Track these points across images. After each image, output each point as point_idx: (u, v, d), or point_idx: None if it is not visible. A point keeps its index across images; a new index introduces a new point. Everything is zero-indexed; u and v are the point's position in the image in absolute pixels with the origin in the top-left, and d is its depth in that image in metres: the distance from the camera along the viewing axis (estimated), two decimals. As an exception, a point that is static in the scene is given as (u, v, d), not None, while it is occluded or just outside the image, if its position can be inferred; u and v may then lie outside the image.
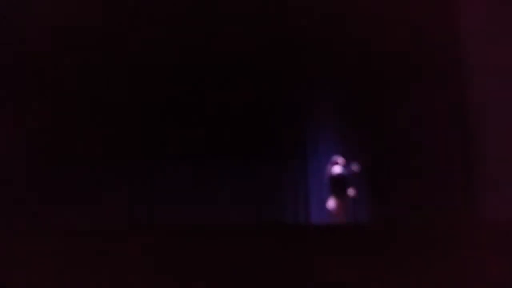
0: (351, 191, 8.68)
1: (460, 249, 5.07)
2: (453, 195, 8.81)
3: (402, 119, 9.30)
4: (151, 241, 5.15)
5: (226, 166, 9.50)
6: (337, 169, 8.81)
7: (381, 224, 8.18)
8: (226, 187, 9.40)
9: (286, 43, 9.52)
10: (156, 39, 9.42)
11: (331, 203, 8.71)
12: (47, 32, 9.22)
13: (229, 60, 9.45)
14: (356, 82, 9.56)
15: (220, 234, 5.18)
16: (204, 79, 9.57)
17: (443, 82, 9.31)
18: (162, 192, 9.31)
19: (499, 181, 8.40)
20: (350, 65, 9.47)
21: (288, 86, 9.71)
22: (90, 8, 9.29)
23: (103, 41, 9.33)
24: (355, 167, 8.77)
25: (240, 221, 8.86)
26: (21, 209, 8.54)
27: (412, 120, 9.27)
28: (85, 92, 9.39)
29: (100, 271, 4.99)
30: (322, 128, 9.86)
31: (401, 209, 8.79)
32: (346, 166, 8.83)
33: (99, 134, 9.28)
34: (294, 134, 9.77)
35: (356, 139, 9.66)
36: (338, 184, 8.72)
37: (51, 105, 9.23)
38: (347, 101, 9.73)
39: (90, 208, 8.83)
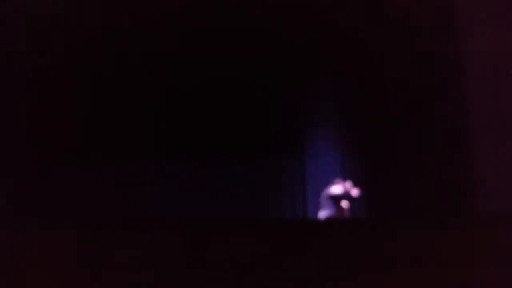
0: (347, 206, 8.52)
1: (459, 247, 5.08)
2: (452, 194, 8.82)
3: (402, 119, 9.31)
4: (150, 240, 5.15)
5: (225, 165, 9.51)
6: (336, 189, 8.61)
7: (380, 222, 8.17)
8: (224, 186, 9.41)
9: (286, 43, 9.53)
10: (156, 39, 9.43)
11: (323, 215, 8.58)
12: (46, 31, 9.24)
13: (229, 59, 9.46)
14: (356, 82, 9.57)
15: (219, 233, 5.18)
16: (203, 79, 9.59)
17: (443, 82, 9.32)
18: (161, 190, 9.32)
19: (498, 178, 8.42)
20: (350, 65, 9.48)
21: (287, 86, 9.73)
22: (89, 8, 9.30)
23: (102, 40, 9.33)
24: (354, 191, 8.60)
25: (238, 219, 8.86)
26: (21, 209, 8.55)
27: (412, 120, 9.28)
28: (85, 92, 9.41)
29: (100, 271, 4.99)
30: (321, 127, 9.87)
31: (401, 208, 8.80)
32: (345, 187, 8.63)
33: (99, 134, 9.30)
34: (293, 133, 9.78)
35: (355, 139, 9.67)
36: (335, 203, 8.54)
37: (51, 105, 9.25)
38: (347, 101, 9.74)
39: (90, 208, 8.84)
